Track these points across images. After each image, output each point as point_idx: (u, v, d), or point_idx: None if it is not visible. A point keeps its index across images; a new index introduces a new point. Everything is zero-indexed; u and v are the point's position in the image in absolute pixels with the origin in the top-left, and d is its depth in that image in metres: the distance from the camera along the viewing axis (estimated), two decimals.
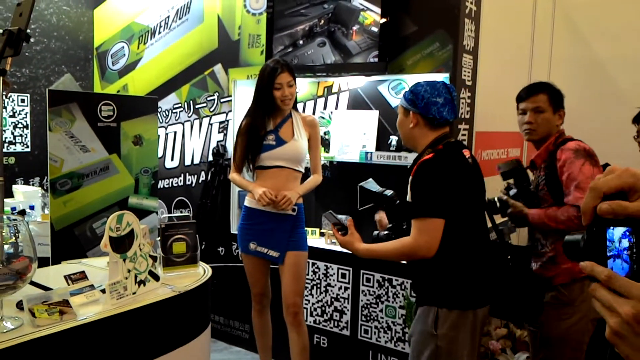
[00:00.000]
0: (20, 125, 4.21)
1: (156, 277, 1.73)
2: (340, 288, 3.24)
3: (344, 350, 3.22)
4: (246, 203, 2.79)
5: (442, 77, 2.95)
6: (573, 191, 2.09)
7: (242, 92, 3.72)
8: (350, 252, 1.98)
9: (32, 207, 3.53)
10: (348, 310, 3.23)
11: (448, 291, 1.88)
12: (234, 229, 3.74)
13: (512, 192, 2.34)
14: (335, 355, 3.27)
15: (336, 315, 3.28)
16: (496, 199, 2.32)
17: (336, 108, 3.44)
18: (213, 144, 3.82)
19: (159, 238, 1.92)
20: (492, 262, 2.00)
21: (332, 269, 3.23)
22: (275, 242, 2.69)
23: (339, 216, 2.06)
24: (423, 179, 1.84)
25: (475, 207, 1.94)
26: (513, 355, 2.78)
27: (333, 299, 3.28)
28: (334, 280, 3.25)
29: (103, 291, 1.62)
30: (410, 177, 1.88)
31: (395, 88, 3.25)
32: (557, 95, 2.30)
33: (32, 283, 1.70)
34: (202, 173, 3.91)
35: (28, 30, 1.88)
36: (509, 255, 2.06)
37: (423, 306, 1.92)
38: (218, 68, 3.76)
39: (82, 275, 1.64)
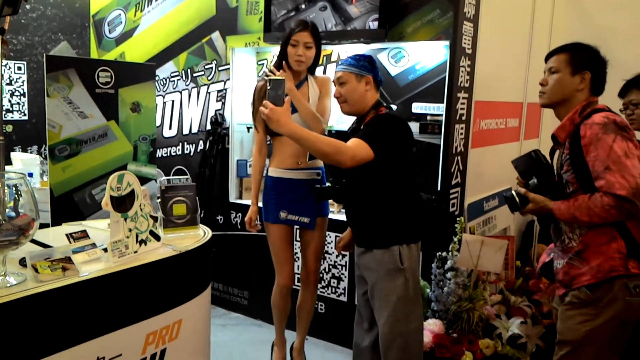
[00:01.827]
0: (17, 93, 4.19)
1: (157, 237, 1.74)
2: (337, 255, 3.28)
3: (341, 316, 3.27)
4: (271, 173, 2.69)
5: (443, 44, 2.94)
6: (605, 174, 1.75)
7: (241, 60, 3.69)
8: (272, 122, 2.00)
9: (30, 175, 3.54)
10: (345, 277, 3.27)
11: (405, 228, 2.20)
12: (232, 198, 3.76)
13: (532, 183, 1.99)
14: (333, 321, 3.33)
15: (334, 282, 3.32)
16: (514, 194, 1.98)
17: None
18: (211, 113, 3.82)
19: (159, 200, 1.94)
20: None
21: (330, 237, 3.26)
22: (306, 208, 2.65)
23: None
24: (380, 123, 2.15)
25: (412, 159, 2.28)
26: (507, 320, 2.83)
27: (331, 266, 3.32)
28: (331, 247, 3.29)
29: (105, 250, 1.63)
30: (363, 124, 2.21)
31: (395, 56, 3.23)
32: (582, 55, 1.92)
33: (34, 242, 1.72)
34: (200, 142, 3.91)
35: None
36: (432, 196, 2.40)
37: (385, 248, 2.17)
38: (216, 36, 3.73)
39: (84, 234, 1.66)
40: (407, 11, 2.91)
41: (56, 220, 3.06)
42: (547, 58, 2.00)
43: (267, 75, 2.05)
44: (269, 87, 2.01)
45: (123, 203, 1.63)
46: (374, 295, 2.25)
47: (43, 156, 3.93)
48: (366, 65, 2.23)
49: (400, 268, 2.17)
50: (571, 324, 1.89)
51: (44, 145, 3.98)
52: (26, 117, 4.23)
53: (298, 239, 2.82)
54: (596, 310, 1.84)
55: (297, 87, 2.64)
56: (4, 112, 4.05)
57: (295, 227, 2.85)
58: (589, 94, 1.92)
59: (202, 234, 1.95)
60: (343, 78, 2.23)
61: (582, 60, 1.91)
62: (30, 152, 4.26)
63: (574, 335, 1.88)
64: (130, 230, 1.64)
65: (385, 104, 2.28)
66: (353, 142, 2.07)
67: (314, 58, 2.62)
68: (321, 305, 3.37)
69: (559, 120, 1.97)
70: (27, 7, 4.19)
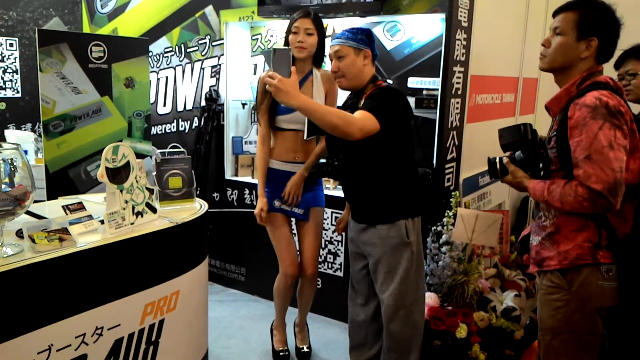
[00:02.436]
0: (9, 70, 4.14)
1: (153, 209, 1.75)
2: (334, 231, 3.29)
3: (337, 291, 3.30)
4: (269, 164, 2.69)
5: (439, 17, 2.92)
6: (584, 164, 1.61)
7: (234, 35, 3.66)
8: (282, 94, 1.90)
9: (25, 152, 3.51)
10: (341, 252, 3.29)
11: (409, 203, 2.22)
12: (228, 175, 3.75)
13: (518, 156, 1.87)
14: (330, 296, 3.36)
15: (330, 258, 3.34)
16: (497, 160, 1.91)
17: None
18: (205, 89, 3.79)
19: (155, 173, 1.93)
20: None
21: (326, 213, 3.27)
22: (300, 201, 2.67)
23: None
24: (384, 95, 2.12)
25: (411, 132, 2.27)
26: (502, 293, 2.86)
27: (327, 242, 3.34)
28: (327, 224, 3.30)
29: (101, 222, 1.64)
30: (365, 97, 2.16)
31: (390, 30, 3.21)
32: (591, 17, 1.69)
33: (30, 214, 1.72)
34: (195, 119, 3.89)
35: None
36: (429, 170, 2.41)
37: (390, 223, 2.18)
38: (209, 10, 3.69)
39: (80, 206, 1.66)
40: None
41: (52, 197, 3.05)
42: (554, 14, 1.78)
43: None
44: (274, 58, 1.95)
45: (119, 174, 1.63)
46: (377, 270, 2.25)
47: (37, 134, 3.91)
48: (364, 38, 2.19)
49: (407, 242, 2.19)
50: (547, 309, 1.83)
51: (37, 123, 3.95)
52: (19, 95, 4.19)
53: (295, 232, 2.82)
54: (569, 296, 1.75)
55: (300, 83, 2.58)
56: None
57: (292, 220, 2.83)
58: (593, 62, 1.73)
59: (198, 207, 1.95)
60: (341, 52, 2.18)
61: (591, 24, 1.69)
62: (25, 130, 4.23)
63: (551, 322, 1.81)
64: (126, 202, 1.65)
65: (380, 78, 2.26)
66: (360, 114, 2.03)
67: (317, 48, 2.59)
68: (318, 280, 3.40)
69: (559, 87, 1.80)
70: None
